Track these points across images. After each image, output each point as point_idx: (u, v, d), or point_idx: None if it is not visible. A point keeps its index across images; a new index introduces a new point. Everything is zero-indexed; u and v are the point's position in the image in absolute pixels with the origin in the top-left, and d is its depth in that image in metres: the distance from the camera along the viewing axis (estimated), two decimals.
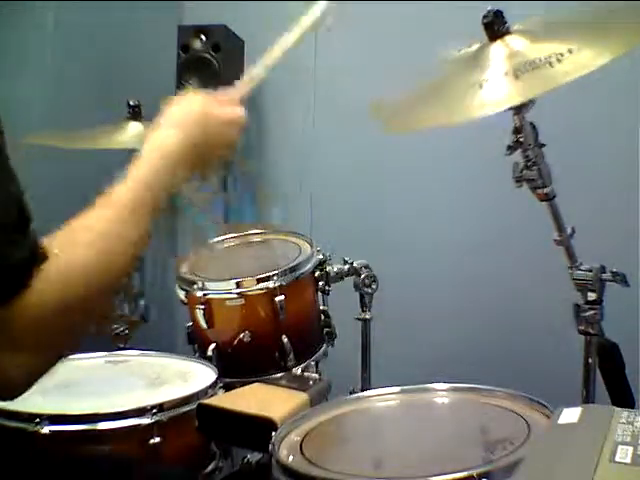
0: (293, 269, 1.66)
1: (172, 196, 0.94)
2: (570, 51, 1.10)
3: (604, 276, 1.25)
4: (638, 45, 1.07)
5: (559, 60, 1.10)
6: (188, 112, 1.00)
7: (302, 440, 1.08)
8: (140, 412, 1.30)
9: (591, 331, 1.27)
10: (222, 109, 1.02)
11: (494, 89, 1.17)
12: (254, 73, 1.10)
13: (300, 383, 1.39)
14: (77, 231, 0.83)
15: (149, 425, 1.29)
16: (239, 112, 1.05)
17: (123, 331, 2.00)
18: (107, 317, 0.84)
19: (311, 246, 1.77)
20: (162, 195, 0.92)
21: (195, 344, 1.74)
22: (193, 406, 1.33)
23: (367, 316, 1.78)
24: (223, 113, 1.02)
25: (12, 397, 0.79)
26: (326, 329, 1.76)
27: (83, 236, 0.82)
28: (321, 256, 1.73)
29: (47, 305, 0.75)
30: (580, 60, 1.09)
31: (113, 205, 0.87)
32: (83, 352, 1.65)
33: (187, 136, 0.96)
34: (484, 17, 1.23)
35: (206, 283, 1.65)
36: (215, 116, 1.01)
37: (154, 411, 1.30)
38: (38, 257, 0.75)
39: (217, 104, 1.03)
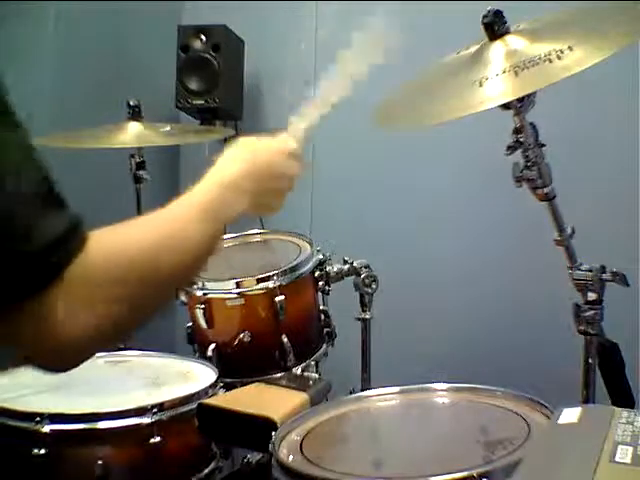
0: (293, 269, 1.66)
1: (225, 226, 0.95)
2: (570, 48, 1.10)
3: (604, 276, 1.25)
4: (636, 41, 1.08)
5: (559, 57, 1.10)
6: (250, 146, 1.02)
7: (302, 440, 1.08)
8: (140, 411, 1.30)
9: (591, 331, 1.27)
10: (281, 144, 1.06)
11: (494, 86, 1.17)
12: (308, 116, 1.14)
13: (300, 383, 1.39)
14: (140, 225, 0.84)
15: (149, 424, 1.29)
16: (296, 149, 1.08)
17: None
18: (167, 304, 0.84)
19: (311, 246, 1.77)
20: (223, 223, 0.93)
21: (195, 344, 1.74)
22: (193, 406, 1.33)
23: (367, 316, 1.78)
24: (284, 146, 1.06)
25: (65, 368, 0.80)
26: (326, 329, 1.76)
27: (145, 231, 0.83)
28: (321, 256, 1.73)
29: (97, 278, 0.75)
30: (579, 56, 1.09)
31: (177, 214, 0.88)
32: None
33: (249, 166, 0.97)
34: (484, 17, 1.24)
35: (206, 283, 1.65)
36: (276, 149, 1.04)
37: (154, 411, 1.30)
38: (79, 230, 0.75)
39: (275, 141, 1.06)
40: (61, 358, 0.78)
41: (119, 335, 0.87)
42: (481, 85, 1.18)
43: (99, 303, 0.75)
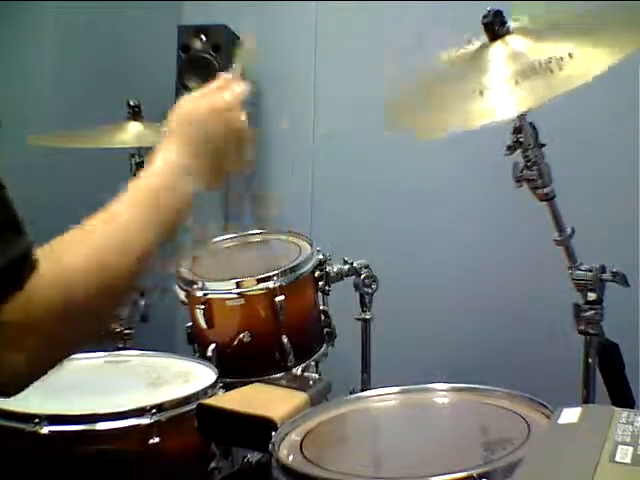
0: (293, 269, 1.66)
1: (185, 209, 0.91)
2: (570, 55, 1.10)
3: (604, 276, 1.25)
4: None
5: (560, 67, 1.10)
6: (180, 116, 0.97)
7: (302, 440, 1.08)
8: (140, 412, 1.30)
9: (591, 331, 1.27)
10: (213, 97, 1.00)
11: (495, 97, 1.17)
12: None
13: (300, 383, 1.39)
14: (77, 236, 0.81)
15: (149, 425, 1.29)
16: (234, 91, 1.01)
17: (123, 331, 2.00)
18: (112, 322, 0.82)
19: (311, 246, 1.76)
20: (171, 208, 0.89)
21: (195, 344, 1.73)
22: (193, 406, 1.33)
23: (367, 316, 1.78)
24: (216, 101, 0.99)
25: (11, 394, 0.79)
26: (326, 329, 1.76)
27: (84, 240, 0.81)
28: (321, 256, 1.73)
29: (44, 307, 0.74)
30: (580, 65, 1.09)
31: (115, 214, 0.85)
32: (83, 352, 1.65)
33: (185, 141, 0.94)
34: (484, 17, 1.23)
35: (206, 283, 1.65)
36: (208, 108, 0.98)
37: (154, 411, 1.30)
38: (31, 259, 0.74)
39: (207, 95, 1.00)
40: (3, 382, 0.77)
41: (65, 353, 0.83)
42: (482, 95, 1.17)
43: (43, 345, 0.75)
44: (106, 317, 0.85)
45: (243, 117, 1.00)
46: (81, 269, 0.77)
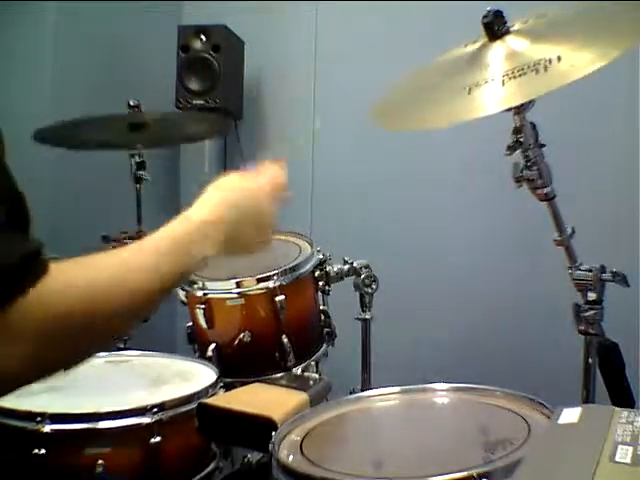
0: (293, 269, 1.66)
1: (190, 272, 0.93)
2: (559, 58, 1.11)
3: (604, 276, 1.25)
4: (632, 46, 1.08)
5: (546, 68, 1.11)
6: (226, 190, 1.00)
7: (302, 440, 1.08)
8: (141, 411, 1.30)
9: (591, 331, 1.27)
10: (259, 185, 1.04)
11: (480, 95, 1.18)
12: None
13: (300, 383, 1.39)
14: (91, 258, 0.81)
15: (150, 424, 1.29)
16: (278, 185, 1.06)
17: None
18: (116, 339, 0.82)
19: (311, 246, 1.77)
20: (186, 264, 0.90)
21: (195, 344, 1.74)
22: (193, 406, 1.33)
23: (367, 316, 1.78)
24: (261, 189, 1.03)
25: (3, 394, 0.78)
26: (326, 329, 1.76)
27: (97, 261, 0.81)
28: (321, 256, 1.73)
29: (45, 317, 0.73)
30: (565, 68, 1.10)
31: (135, 246, 0.86)
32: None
33: (221, 215, 0.96)
34: (484, 17, 1.24)
35: (206, 283, 1.65)
36: (253, 193, 1.02)
37: (155, 410, 1.30)
38: (38, 263, 0.74)
39: (252, 182, 1.04)
40: None
41: (54, 369, 0.81)
42: (470, 93, 1.18)
43: (41, 355, 0.74)
44: (96, 342, 0.84)
45: (275, 210, 1.05)
46: (81, 286, 0.77)
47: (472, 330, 2.34)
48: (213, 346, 1.64)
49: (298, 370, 1.64)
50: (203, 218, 0.93)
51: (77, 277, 0.78)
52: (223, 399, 1.36)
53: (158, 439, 1.29)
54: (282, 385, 1.39)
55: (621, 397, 1.29)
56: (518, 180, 1.26)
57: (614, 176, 2.16)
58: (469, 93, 1.18)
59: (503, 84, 1.15)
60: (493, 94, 1.17)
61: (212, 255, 0.93)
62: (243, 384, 1.45)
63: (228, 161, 2.87)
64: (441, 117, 1.26)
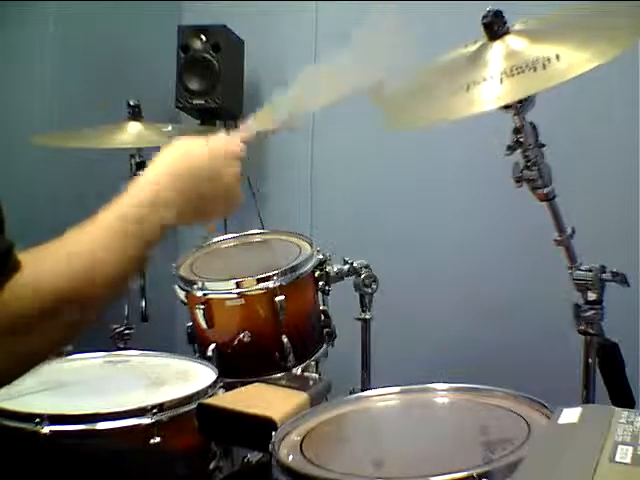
0: (293, 269, 1.66)
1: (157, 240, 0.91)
2: (557, 57, 1.11)
3: (604, 276, 1.25)
4: (630, 45, 1.08)
5: (544, 67, 1.11)
6: (180, 154, 0.97)
7: (302, 440, 1.08)
8: (140, 412, 1.30)
9: (591, 331, 1.27)
10: (217, 147, 1.00)
11: (477, 93, 1.19)
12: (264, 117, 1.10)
13: (300, 383, 1.39)
14: (53, 246, 0.82)
15: (149, 425, 1.29)
16: (238, 146, 1.03)
17: (123, 331, 2.00)
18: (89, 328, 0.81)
19: (311, 246, 1.77)
20: (150, 233, 0.89)
21: (195, 344, 1.74)
22: (193, 406, 1.33)
23: (367, 316, 1.78)
24: (220, 147, 1.00)
25: None
26: (326, 329, 1.76)
27: (58, 251, 0.81)
28: (321, 256, 1.73)
29: (14, 313, 0.74)
30: (563, 67, 1.10)
31: (96, 228, 0.85)
32: (83, 352, 1.65)
33: (177, 178, 0.93)
34: (484, 17, 1.24)
35: (206, 283, 1.65)
36: (209, 155, 0.98)
37: (154, 411, 1.30)
38: (14, 258, 0.75)
39: (212, 143, 1.00)
40: None
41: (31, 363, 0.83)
42: (468, 90, 1.18)
43: (12, 351, 0.75)
44: (70, 331, 0.84)
45: (238, 170, 1.01)
46: (51, 276, 0.78)
47: (472, 330, 2.34)
48: (213, 346, 1.64)
49: (298, 370, 1.64)
50: (158, 188, 0.91)
51: (46, 270, 0.78)
52: (223, 399, 1.36)
53: (158, 439, 1.29)
54: (282, 385, 1.39)
55: (621, 397, 1.29)
56: (518, 180, 1.26)
57: (614, 176, 2.15)
58: (467, 90, 1.19)
59: (501, 82, 1.16)
60: (491, 91, 1.18)
61: (178, 224, 0.92)
62: (243, 384, 1.45)
63: None
64: (439, 114, 1.26)
